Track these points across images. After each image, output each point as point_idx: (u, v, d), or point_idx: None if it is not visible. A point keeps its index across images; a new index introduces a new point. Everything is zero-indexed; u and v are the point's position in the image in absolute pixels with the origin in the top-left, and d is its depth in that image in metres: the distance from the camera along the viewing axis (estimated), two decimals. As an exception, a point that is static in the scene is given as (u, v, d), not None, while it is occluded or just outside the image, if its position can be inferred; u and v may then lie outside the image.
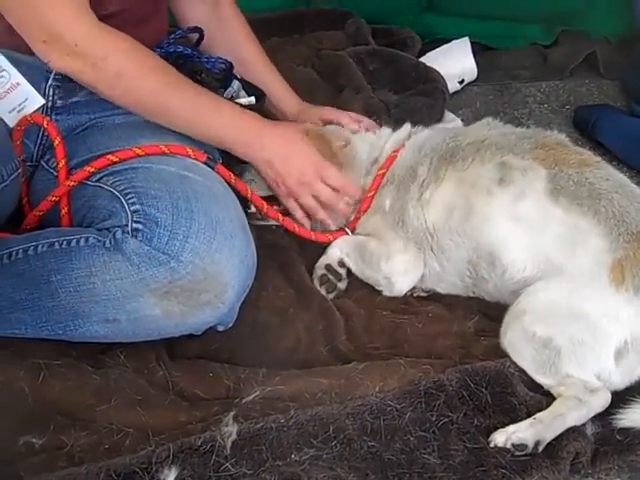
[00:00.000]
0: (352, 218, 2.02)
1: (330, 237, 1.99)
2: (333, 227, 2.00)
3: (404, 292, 1.94)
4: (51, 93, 1.83)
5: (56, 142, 1.79)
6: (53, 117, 1.85)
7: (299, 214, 1.96)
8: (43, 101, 1.81)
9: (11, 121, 1.79)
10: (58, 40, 1.69)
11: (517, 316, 1.73)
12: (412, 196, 1.91)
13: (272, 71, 2.22)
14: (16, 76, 1.77)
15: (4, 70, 1.77)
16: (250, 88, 2.02)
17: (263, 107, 2.05)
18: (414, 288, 1.96)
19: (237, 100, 1.97)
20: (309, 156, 1.91)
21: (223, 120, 1.83)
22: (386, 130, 2.12)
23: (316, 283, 1.95)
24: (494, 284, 1.85)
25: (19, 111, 1.79)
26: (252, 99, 1.99)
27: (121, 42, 1.73)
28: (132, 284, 1.60)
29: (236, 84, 1.98)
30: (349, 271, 1.98)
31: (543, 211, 1.78)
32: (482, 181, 1.84)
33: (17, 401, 1.59)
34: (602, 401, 1.63)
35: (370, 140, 2.09)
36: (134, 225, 1.61)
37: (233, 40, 2.16)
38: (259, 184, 1.97)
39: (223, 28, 2.16)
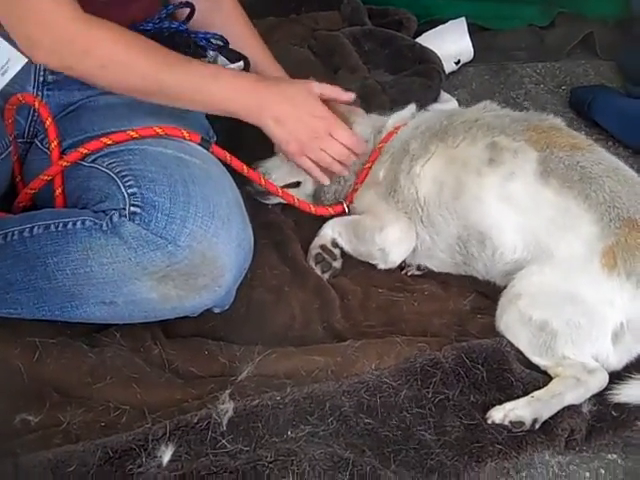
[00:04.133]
0: (350, 190, 2.03)
1: (330, 210, 2.00)
2: (347, 174, 1.98)
3: (398, 262, 1.95)
4: (42, 68, 1.81)
5: (47, 123, 1.77)
6: (45, 93, 1.83)
7: (316, 172, 1.93)
8: (26, 60, 1.75)
9: None
10: (42, 37, 1.66)
11: (512, 300, 1.73)
12: (403, 168, 1.92)
13: (269, 57, 2.17)
14: None
15: None
16: (232, 54, 1.99)
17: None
18: (408, 266, 1.97)
19: (228, 66, 1.95)
20: (319, 112, 1.88)
21: (222, 87, 1.79)
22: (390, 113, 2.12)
23: (311, 263, 1.95)
24: (484, 263, 1.86)
25: (3, 73, 1.75)
26: (241, 64, 1.97)
27: (104, 32, 1.69)
28: (129, 267, 1.59)
29: (211, 53, 1.97)
30: (343, 250, 1.98)
31: (533, 193, 1.78)
32: (472, 161, 1.84)
33: (12, 379, 1.59)
34: (600, 381, 1.64)
35: (373, 118, 2.11)
36: (132, 208, 1.60)
37: (228, 25, 2.11)
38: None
39: (224, 21, 2.12)
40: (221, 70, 1.83)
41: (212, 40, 1.95)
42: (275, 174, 2.02)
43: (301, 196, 2.02)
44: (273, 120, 1.82)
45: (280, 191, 1.94)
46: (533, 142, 1.82)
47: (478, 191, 1.83)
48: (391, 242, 1.92)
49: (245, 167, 1.88)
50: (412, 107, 2.10)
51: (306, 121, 1.86)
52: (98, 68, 1.70)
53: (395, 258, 1.94)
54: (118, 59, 1.71)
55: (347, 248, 1.97)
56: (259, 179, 1.91)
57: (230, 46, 2.00)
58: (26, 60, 1.76)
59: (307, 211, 1.99)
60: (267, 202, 2.06)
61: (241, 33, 2.13)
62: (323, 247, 1.95)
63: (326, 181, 1.97)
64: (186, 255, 1.59)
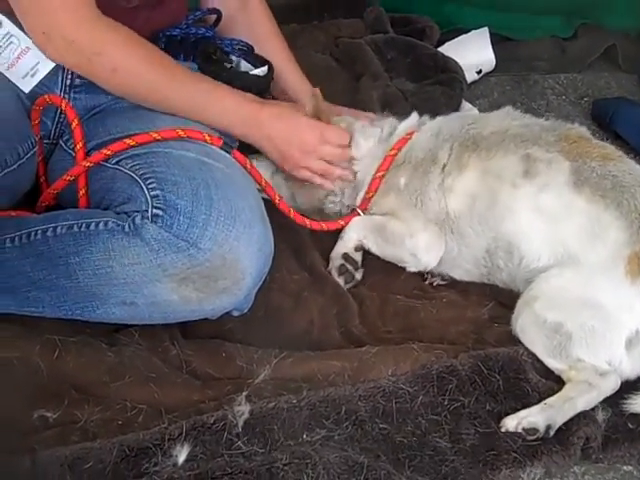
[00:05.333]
0: (360, 200, 2.02)
1: (342, 222, 1.98)
2: (351, 177, 2.01)
3: (431, 266, 1.93)
4: (70, 71, 1.82)
5: (74, 124, 1.79)
6: (72, 95, 1.85)
7: (318, 179, 1.97)
8: (54, 63, 1.79)
9: (26, 87, 1.78)
10: (56, 34, 1.70)
11: (528, 302, 1.74)
12: (433, 180, 1.91)
13: (295, 70, 2.20)
14: (25, 40, 1.75)
15: (12, 36, 1.76)
16: (257, 59, 2.02)
17: (272, 79, 2.04)
18: (432, 276, 1.96)
19: (251, 72, 1.97)
20: (308, 124, 1.93)
21: (220, 108, 1.84)
22: (390, 119, 2.11)
23: (334, 274, 1.94)
24: (509, 273, 1.86)
25: (32, 75, 1.78)
26: (265, 68, 1.99)
27: (118, 37, 1.74)
28: (150, 269, 1.60)
29: (234, 58, 1.99)
30: (369, 253, 1.97)
31: (566, 202, 1.79)
32: (507, 173, 1.85)
33: (32, 376, 1.60)
34: (612, 384, 1.64)
35: (374, 131, 2.08)
36: (154, 211, 1.61)
37: (258, 37, 2.13)
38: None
39: (250, 24, 2.16)
40: (223, 90, 1.85)
41: (237, 47, 1.97)
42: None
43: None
44: (266, 140, 1.89)
45: (292, 212, 1.92)
46: (566, 153, 1.83)
47: (513, 203, 1.83)
48: (422, 248, 1.91)
49: (263, 179, 1.88)
50: (415, 115, 2.10)
51: (297, 136, 1.91)
52: (109, 71, 1.75)
53: (427, 262, 1.93)
54: (128, 64, 1.75)
55: (374, 250, 1.96)
56: (274, 195, 1.90)
57: (255, 50, 2.01)
58: (54, 64, 1.78)
59: (318, 230, 1.97)
60: None
61: (265, 35, 2.15)
62: (346, 256, 1.94)
63: (330, 186, 1.99)
64: (207, 258, 1.60)
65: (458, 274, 1.95)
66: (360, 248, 1.96)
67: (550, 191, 1.81)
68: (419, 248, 1.91)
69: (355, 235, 1.96)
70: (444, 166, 1.91)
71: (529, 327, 1.72)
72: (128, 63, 1.75)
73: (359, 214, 1.99)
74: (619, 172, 1.80)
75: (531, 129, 1.91)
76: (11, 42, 1.77)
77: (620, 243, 1.72)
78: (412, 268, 1.94)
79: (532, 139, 1.87)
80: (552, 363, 1.69)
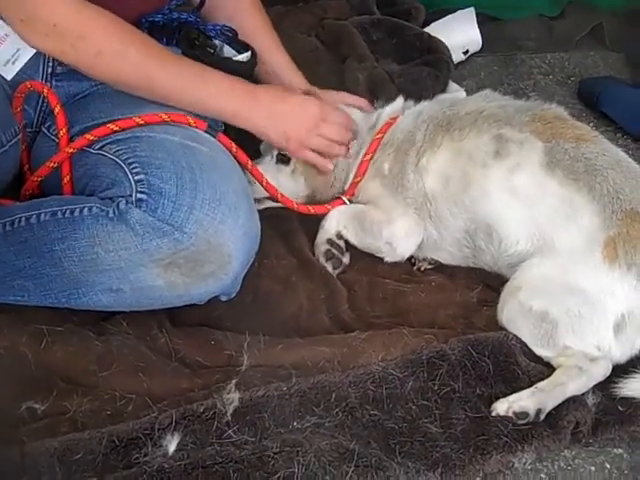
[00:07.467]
0: (348, 185, 2.01)
1: (329, 207, 1.98)
2: (349, 156, 1.99)
3: (406, 256, 1.94)
4: (51, 59, 1.80)
5: (56, 110, 1.77)
6: (54, 83, 1.83)
7: (320, 160, 1.94)
8: (35, 50, 1.75)
9: (8, 74, 1.76)
10: (36, 20, 1.66)
11: (513, 292, 1.74)
12: (411, 161, 1.91)
13: (278, 47, 2.17)
14: (3, 27, 1.72)
15: None
16: (240, 45, 1.98)
17: (256, 65, 2.00)
18: (420, 261, 1.96)
19: (235, 58, 1.94)
20: (308, 100, 1.91)
21: (210, 90, 1.80)
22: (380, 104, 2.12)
23: (321, 260, 1.93)
24: (492, 255, 1.86)
25: (14, 62, 1.75)
26: (248, 54, 1.96)
27: (100, 20, 1.69)
28: (136, 254, 1.59)
29: (217, 43, 1.96)
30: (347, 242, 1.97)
31: (538, 184, 1.79)
32: (478, 153, 1.84)
33: (19, 366, 1.59)
34: (603, 370, 1.65)
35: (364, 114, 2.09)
36: (138, 195, 1.59)
37: (242, 22, 2.09)
38: None
39: (234, 8, 2.12)
40: (212, 72, 1.81)
41: (221, 31, 1.94)
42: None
43: (295, 197, 1.99)
44: (268, 120, 1.84)
45: (280, 195, 1.91)
46: (539, 133, 1.83)
47: (485, 183, 1.83)
48: (398, 236, 1.91)
49: (250, 162, 1.87)
50: (401, 99, 2.10)
51: (298, 114, 1.88)
52: (93, 55, 1.70)
53: (403, 252, 1.93)
54: (113, 47, 1.70)
55: (353, 240, 1.95)
56: (261, 179, 1.89)
57: (240, 36, 1.98)
58: (35, 50, 1.75)
59: (306, 213, 1.96)
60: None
61: (251, 22, 2.12)
62: (330, 242, 1.93)
63: (330, 166, 1.96)
64: (192, 242, 1.59)
65: (443, 257, 1.95)
66: (341, 236, 1.95)
67: (522, 172, 1.80)
68: (395, 236, 1.91)
69: (335, 224, 1.95)
70: (420, 146, 1.91)
71: (515, 317, 1.72)
72: (112, 45, 1.70)
73: (344, 202, 1.99)
74: (592, 154, 1.79)
75: (505, 110, 1.90)
76: None
77: (594, 228, 1.71)
78: (388, 258, 1.94)
79: (505, 119, 1.87)
80: (540, 352, 1.69)
